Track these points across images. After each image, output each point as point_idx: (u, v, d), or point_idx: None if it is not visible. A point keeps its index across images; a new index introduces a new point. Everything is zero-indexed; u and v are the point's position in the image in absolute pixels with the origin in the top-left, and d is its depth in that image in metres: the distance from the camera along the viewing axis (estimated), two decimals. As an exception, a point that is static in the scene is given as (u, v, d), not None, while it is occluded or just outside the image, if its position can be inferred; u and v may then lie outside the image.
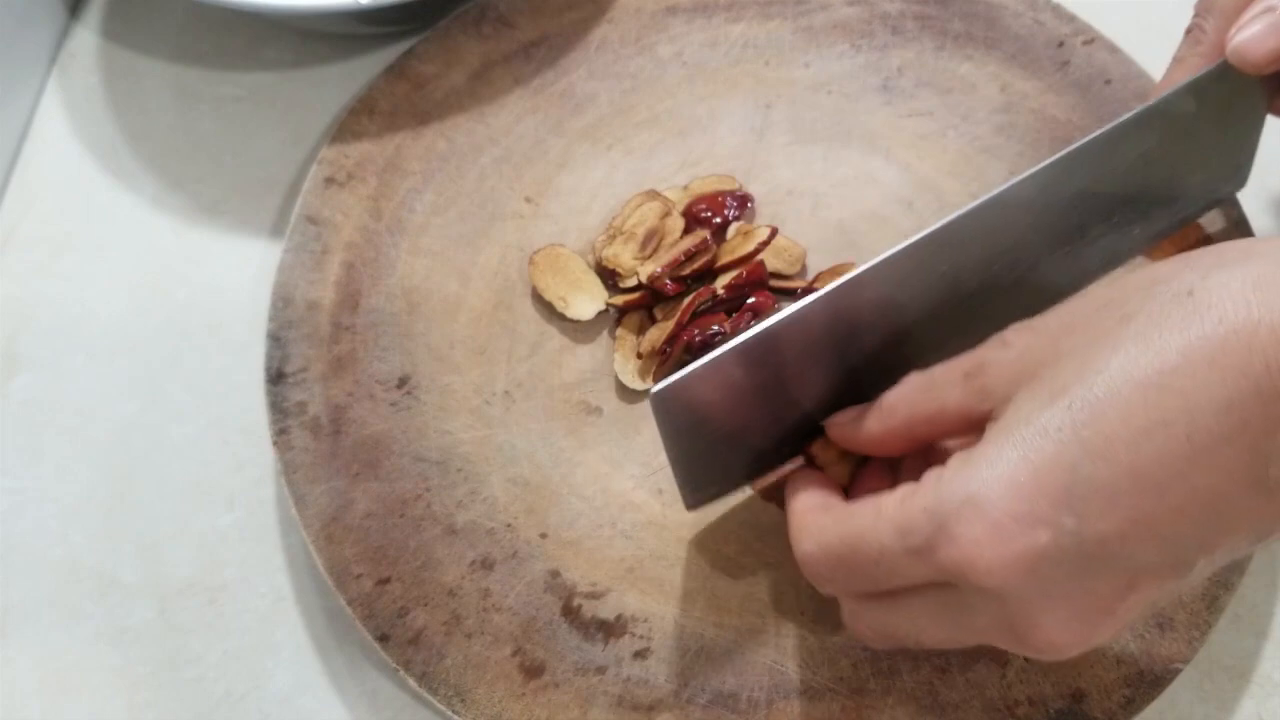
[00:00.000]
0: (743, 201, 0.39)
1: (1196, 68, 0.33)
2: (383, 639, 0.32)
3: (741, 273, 0.37)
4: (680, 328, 0.36)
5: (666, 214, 0.39)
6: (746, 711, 0.31)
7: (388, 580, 0.33)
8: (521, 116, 0.42)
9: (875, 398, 0.30)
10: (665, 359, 0.36)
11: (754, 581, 0.33)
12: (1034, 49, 0.43)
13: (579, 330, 0.38)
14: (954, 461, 0.24)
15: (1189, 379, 0.22)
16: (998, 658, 0.32)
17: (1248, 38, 0.31)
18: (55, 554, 0.36)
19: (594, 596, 0.33)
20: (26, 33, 0.45)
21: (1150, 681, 0.31)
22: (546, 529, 0.34)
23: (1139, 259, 0.37)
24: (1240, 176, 0.36)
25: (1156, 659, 0.31)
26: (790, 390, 0.29)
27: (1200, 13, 0.33)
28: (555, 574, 0.33)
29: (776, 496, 0.31)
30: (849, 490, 0.30)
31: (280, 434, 0.35)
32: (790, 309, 0.28)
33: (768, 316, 0.28)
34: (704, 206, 0.39)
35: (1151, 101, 0.31)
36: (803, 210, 0.40)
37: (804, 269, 0.39)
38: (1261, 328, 0.22)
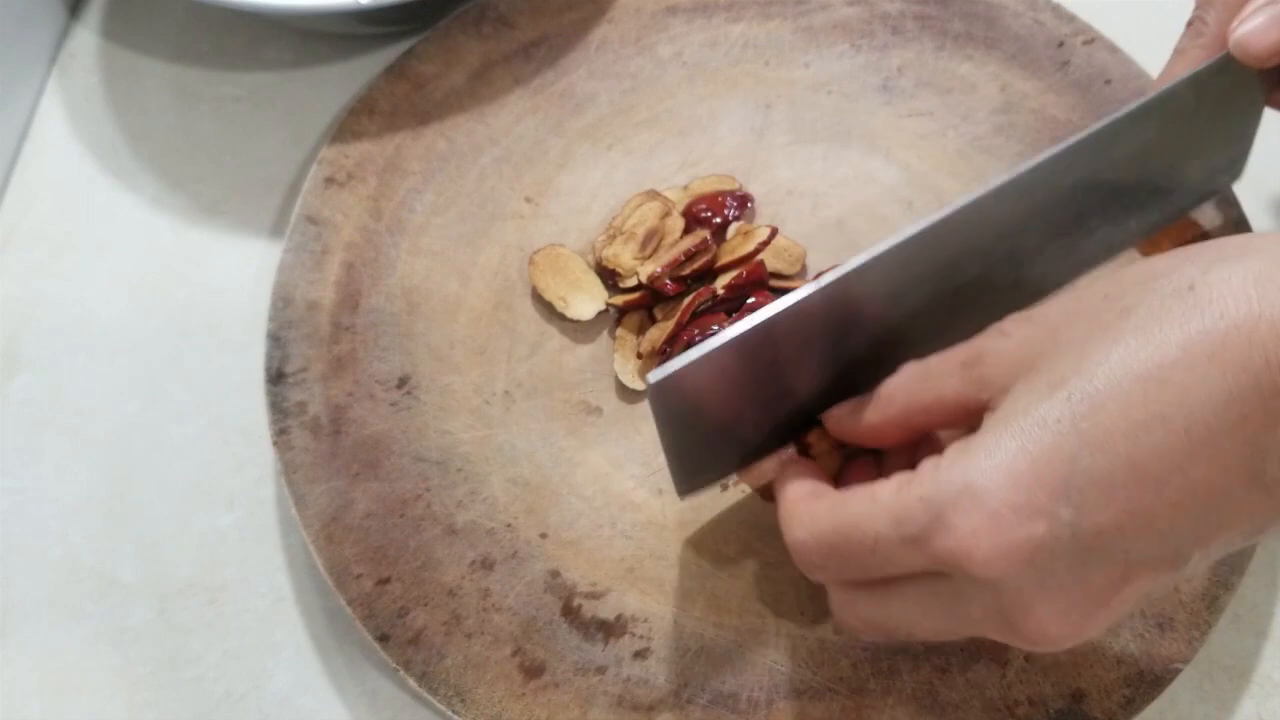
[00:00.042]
0: (743, 201, 0.39)
1: (1198, 60, 0.33)
2: (383, 639, 0.32)
3: (741, 273, 0.37)
4: (680, 328, 0.36)
5: (666, 214, 0.39)
6: (746, 711, 0.31)
7: (388, 580, 0.33)
8: (521, 116, 0.42)
9: (869, 388, 0.30)
10: (665, 359, 0.36)
11: (754, 581, 0.33)
12: (1034, 49, 0.43)
13: (579, 330, 0.38)
14: (951, 451, 0.24)
15: (1189, 373, 0.22)
16: (998, 657, 0.32)
17: (1250, 30, 0.31)
18: (55, 554, 0.36)
19: (594, 596, 0.33)
20: (26, 33, 0.45)
21: (1150, 681, 0.31)
22: (546, 529, 0.34)
23: (1133, 252, 0.37)
24: (1236, 169, 0.36)
25: (1156, 659, 0.31)
26: (786, 380, 0.29)
27: (1202, 5, 0.33)
28: (555, 574, 0.33)
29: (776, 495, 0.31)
30: (836, 484, 0.30)
31: (280, 434, 0.35)
32: (787, 300, 0.28)
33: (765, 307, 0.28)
34: (704, 206, 0.39)
35: (1152, 94, 0.31)
36: (803, 210, 0.40)
37: (804, 269, 0.39)
38: (1262, 323, 0.22)
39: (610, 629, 0.33)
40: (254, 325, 0.39)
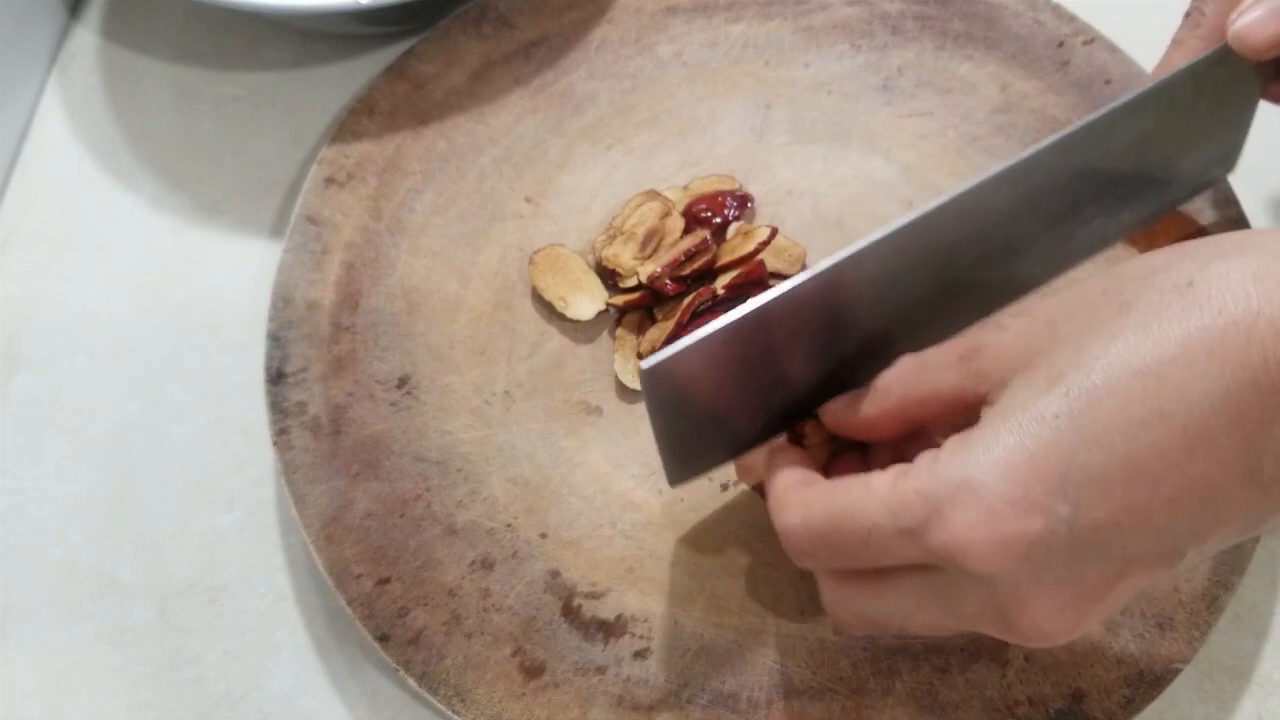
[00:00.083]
0: (743, 201, 0.39)
1: (1195, 51, 0.33)
2: (383, 639, 0.32)
3: (741, 273, 0.37)
4: (680, 328, 0.36)
5: (666, 214, 0.39)
6: (746, 711, 0.31)
7: (388, 580, 0.33)
8: (521, 116, 0.42)
9: (864, 379, 0.30)
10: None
11: (754, 581, 0.33)
12: (1034, 49, 0.43)
13: (579, 330, 0.38)
14: (950, 445, 0.24)
15: (1187, 370, 0.22)
16: (998, 657, 0.32)
17: (1249, 22, 0.31)
18: (55, 554, 0.36)
19: (594, 596, 0.33)
20: (26, 33, 0.45)
21: (1150, 681, 0.31)
22: (546, 529, 0.34)
23: (1129, 248, 0.37)
24: (1230, 161, 0.36)
25: (1156, 659, 0.31)
26: (780, 370, 0.29)
27: None
28: (555, 574, 0.33)
29: None
30: (824, 476, 0.30)
31: (280, 434, 0.35)
32: (782, 287, 0.28)
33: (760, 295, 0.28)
34: (704, 206, 0.39)
35: (1150, 84, 0.31)
36: (803, 210, 0.40)
37: (804, 269, 0.39)
38: (1260, 320, 0.22)
39: (610, 629, 0.33)
40: (254, 325, 0.39)
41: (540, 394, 0.37)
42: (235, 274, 0.41)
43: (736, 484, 0.35)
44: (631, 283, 0.38)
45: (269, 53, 0.46)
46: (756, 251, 0.37)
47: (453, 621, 0.32)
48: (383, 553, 0.33)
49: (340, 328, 0.37)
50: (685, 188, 0.40)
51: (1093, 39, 0.43)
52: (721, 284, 0.37)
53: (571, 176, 0.41)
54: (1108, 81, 0.42)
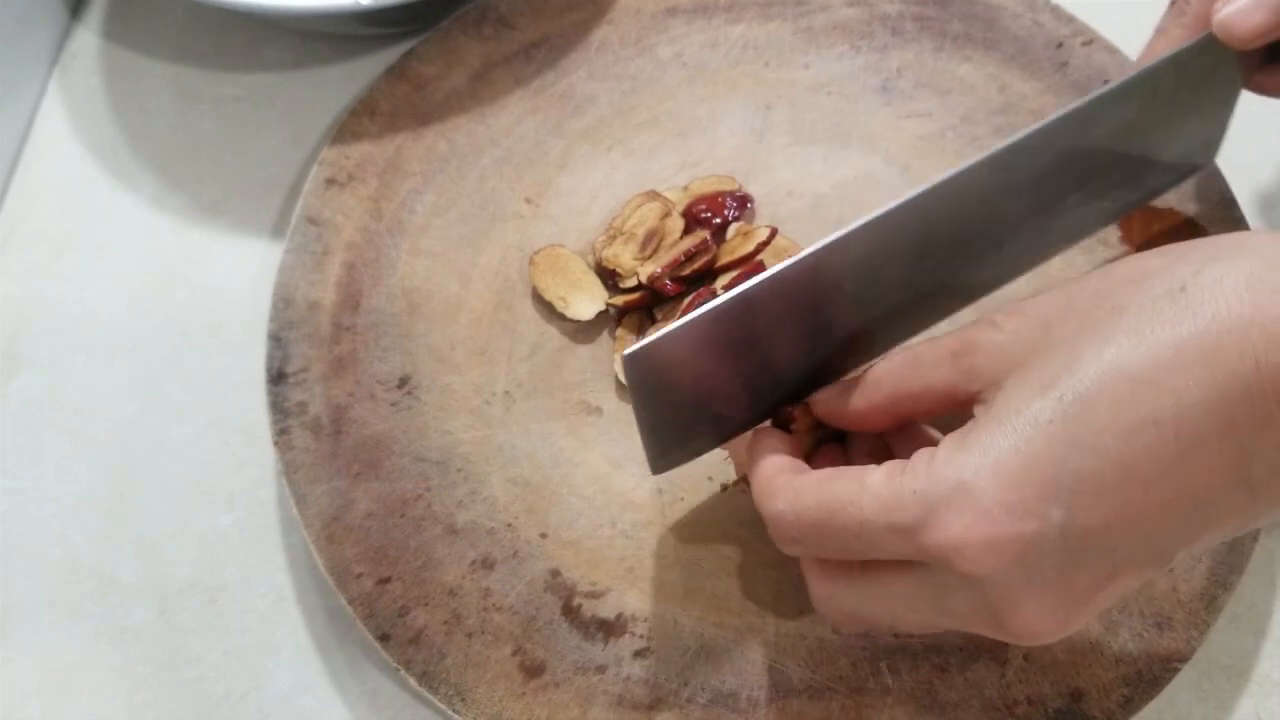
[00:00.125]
0: (742, 202, 0.40)
1: (1179, 40, 0.33)
2: (383, 638, 0.32)
3: (741, 273, 0.37)
4: (680, 328, 0.36)
5: (666, 214, 0.39)
6: (746, 711, 0.31)
7: (388, 580, 0.33)
8: (522, 118, 0.42)
9: (850, 366, 0.31)
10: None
11: (754, 581, 0.33)
12: (1033, 50, 0.43)
13: (579, 330, 0.38)
14: (946, 446, 0.25)
15: (1180, 376, 0.22)
16: (997, 657, 0.32)
17: (1234, 11, 0.31)
18: (55, 554, 0.36)
19: (594, 596, 0.33)
20: (27, 34, 0.45)
21: (1149, 681, 0.31)
22: (546, 529, 0.34)
23: (1119, 243, 0.37)
24: (1211, 150, 0.37)
25: (1155, 658, 0.31)
26: (763, 355, 0.29)
27: None
28: (555, 573, 0.34)
29: None
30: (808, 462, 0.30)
31: (281, 434, 0.35)
32: (765, 274, 0.28)
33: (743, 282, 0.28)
34: (704, 207, 0.39)
35: (1133, 72, 0.31)
36: (802, 210, 0.40)
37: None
38: (1253, 328, 0.22)
39: (610, 628, 0.33)
40: (254, 325, 0.39)
41: (540, 394, 0.37)
42: (235, 274, 0.41)
43: (736, 484, 0.35)
44: (631, 283, 0.38)
45: (269, 53, 0.46)
46: (756, 251, 0.37)
47: (453, 621, 0.32)
48: (383, 552, 0.33)
49: (341, 328, 0.37)
50: (685, 188, 0.40)
51: (1091, 40, 0.43)
52: (721, 284, 0.37)
53: (572, 177, 0.41)
54: (1106, 82, 0.41)
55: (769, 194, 0.40)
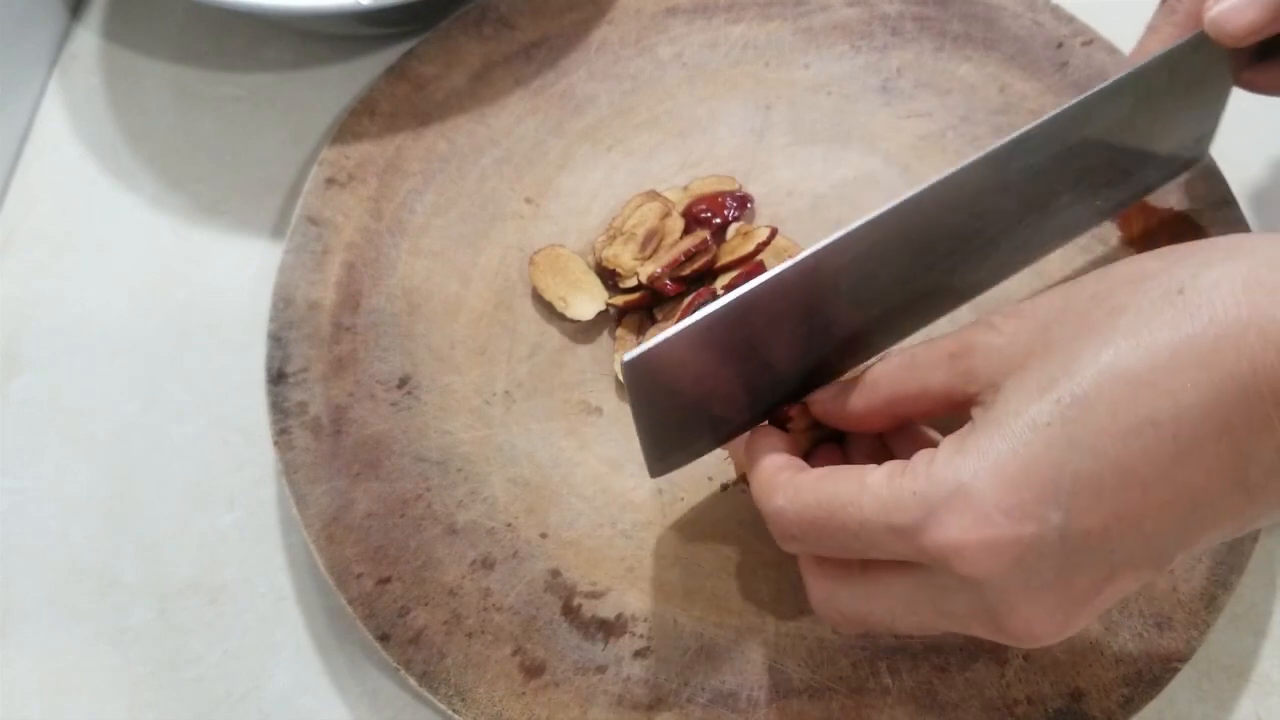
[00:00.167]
0: (742, 202, 0.40)
1: (1171, 37, 0.33)
2: (383, 638, 0.32)
3: (741, 273, 0.37)
4: (680, 328, 0.36)
5: (666, 214, 0.39)
6: (746, 711, 0.31)
7: (388, 580, 0.33)
8: (522, 117, 0.42)
9: (845, 366, 0.31)
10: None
11: (754, 580, 0.33)
12: (1033, 50, 0.43)
13: (579, 330, 0.38)
14: (945, 447, 0.25)
15: (1177, 379, 0.22)
16: (997, 656, 0.32)
17: (1226, 9, 0.31)
18: (55, 554, 0.36)
19: (594, 596, 0.33)
20: (28, 34, 0.45)
21: (1149, 681, 0.31)
22: (546, 529, 0.34)
23: (1119, 243, 0.37)
24: (1202, 146, 0.37)
25: (1155, 658, 0.31)
26: (760, 358, 0.30)
27: None
28: (555, 573, 0.34)
29: None
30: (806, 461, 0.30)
31: (281, 434, 0.35)
32: (764, 277, 0.28)
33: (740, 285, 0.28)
34: (704, 207, 0.39)
35: (1126, 71, 0.31)
36: (802, 210, 0.40)
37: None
38: (1250, 331, 0.22)
39: (610, 628, 0.33)
40: (254, 325, 0.39)
41: (540, 394, 0.37)
42: (235, 274, 0.41)
43: (736, 483, 0.35)
44: (631, 283, 0.38)
45: (269, 53, 0.46)
46: (756, 251, 0.38)
47: (453, 621, 0.32)
48: (383, 552, 0.33)
49: (341, 328, 0.37)
50: (685, 188, 0.40)
51: (1091, 40, 0.43)
52: (721, 284, 0.37)
53: (572, 177, 0.41)
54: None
55: (769, 194, 0.40)
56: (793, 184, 0.41)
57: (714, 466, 0.35)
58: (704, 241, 0.38)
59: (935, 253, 0.31)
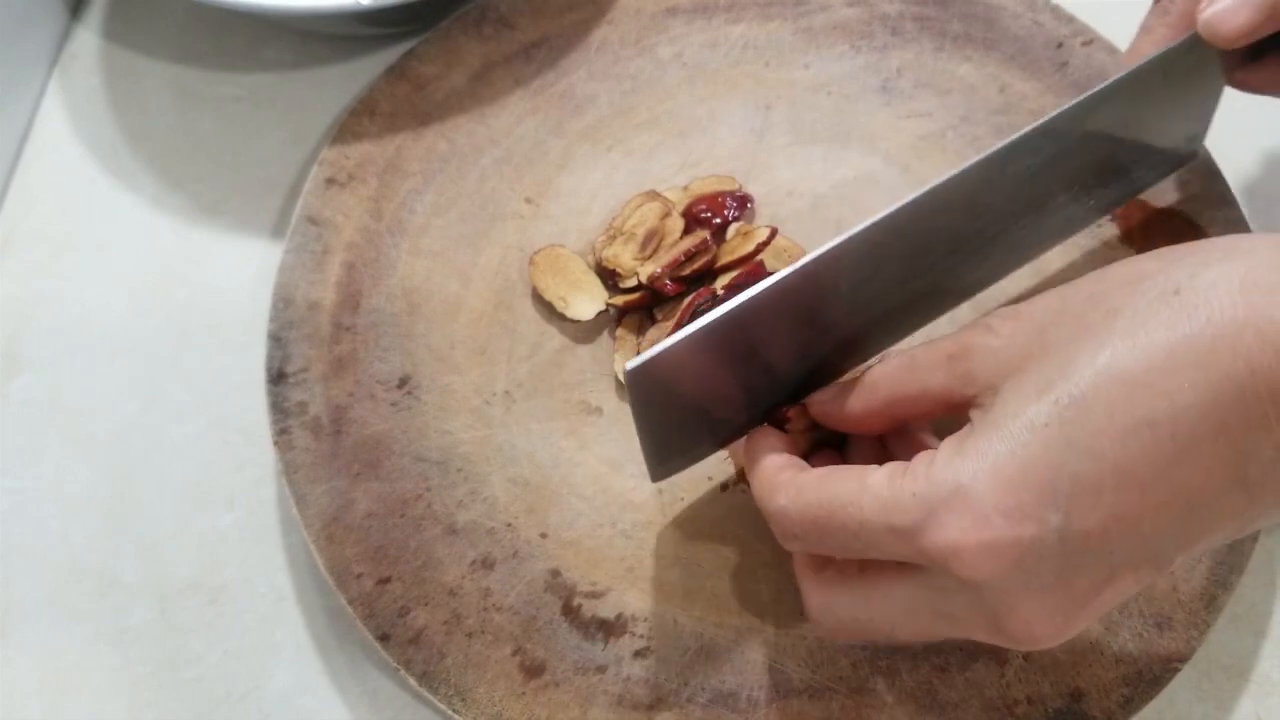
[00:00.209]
0: (742, 202, 0.40)
1: (1164, 38, 0.33)
2: (383, 638, 0.32)
3: (741, 273, 0.37)
4: (680, 328, 0.36)
5: (666, 214, 0.39)
6: (746, 711, 0.31)
7: (388, 580, 0.33)
8: (522, 118, 0.42)
9: (844, 367, 0.31)
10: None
11: (754, 580, 0.33)
12: (1033, 50, 0.43)
13: (579, 330, 0.38)
14: (945, 449, 0.25)
15: (1174, 379, 0.22)
16: (997, 657, 0.32)
17: (1219, 11, 0.31)
18: (55, 554, 0.36)
19: (594, 596, 0.33)
20: (27, 34, 0.45)
21: (1149, 681, 0.31)
22: (546, 529, 0.34)
23: (1118, 243, 0.37)
24: (1194, 143, 0.37)
25: (1155, 658, 0.31)
26: (761, 363, 0.30)
27: None
28: (555, 573, 0.34)
29: None
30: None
31: (281, 434, 0.35)
32: (763, 284, 0.28)
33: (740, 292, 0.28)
34: (704, 207, 0.39)
35: (1121, 73, 0.31)
36: (803, 211, 0.40)
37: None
38: (1247, 330, 0.22)
39: (610, 628, 0.33)
40: (254, 325, 0.39)
41: (540, 394, 0.37)
42: (235, 274, 0.41)
43: (736, 483, 0.35)
44: (631, 283, 0.38)
45: (269, 53, 0.46)
46: (756, 252, 0.38)
47: (453, 621, 0.32)
48: (383, 552, 0.33)
49: (341, 328, 0.37)
50: (685, 188, 0.40)
51: (1091, 40, 0.43)
52: (721, 284, 0.37)
53: (572, 177, 0.41)
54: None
55: (769, 194, 0.40)
56: (793, 184, 0.41)
57: (714, 466, 0.35)
58: (704, 241, 0.38)
59: (933, 254, 0.31)
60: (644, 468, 0.32)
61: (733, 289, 0.37)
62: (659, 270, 0.37)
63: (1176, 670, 0.31)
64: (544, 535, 0.34)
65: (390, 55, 0.45)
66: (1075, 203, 0.34)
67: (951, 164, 0.41)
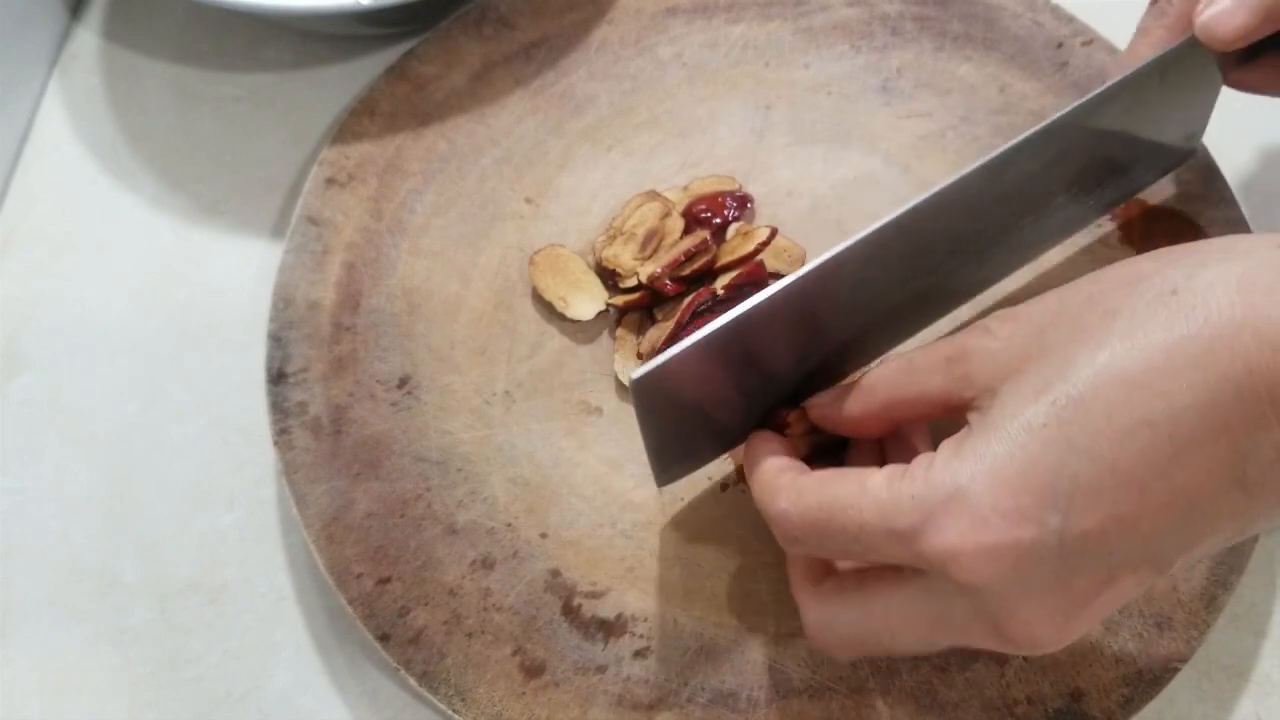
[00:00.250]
0: (742, 202, 0.40)
1: (1161, 40, 0.33)
2: (383, 638, 0.32)
3: (741, 273, 0.37)
4: (680, 328, 0.36)
5: (666, 214, 0.39)
6: (746, 710, 0.31)
7: (388, 580, 0.33)
8: (522, 117, 0.42)
9: (844, 370, 0.31)
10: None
11: (754, 580, 0.33)
12: (1033, 50, 0.43)
13: (579, 330, 0.38)
14: (943, 452, 0.25)
15: (1173, 380, 0.22)
16: (996, 657, 0.32)
17: (1217, 13, 0.31)
18: (55, 554, 0.36)
19: (594, 596, 0.33)
20: (28, 34, 0.45)
21: (1149, 681, 0.31)
22: (546, 529, 0.34)
23: (1119, 243, 0.37)
24: (1192, 143, 0.37)
25: (1155, 658, 0.31)
26: (766, 368, 0.30)
27: None
28: (555, 573, 0.34)
29: None
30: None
31: (281, 434, 0.35)
32: (769, 291, 0.28)
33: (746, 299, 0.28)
34: (704, 207, 0.39)
35: (1120, 76, 0.31)
36: (802, 211, 0.40)
37: (803, 269, 0.39)
38: (1244, 331, 0.22)
39: (610, 628, 0.33)
40: (254, 325, 0.39)
41: (540, 394, 0.37)
42: (235, 274, 0.41)
43: (736, 484, 0.35)
44: (631, 283, 0.38)
45: (269, 53, 0.46)
46: (756, 252, 0.37)
47: (453, 621, 0.32)
48: (383, 552, 0.33)
49: (341, 328, 0.37)
50: (685, 188, 0.40)
51: (1091, 40, 0.43)
52: (721, 284, 0.37)
53: (572, 177, 0.41)
54: (1105, 82, 0.42)
55: (769, 194, 0.40)
56: (793, 184, 0.41)
57: (714, 466, 0.35)
58: (704, 241, 0.38)
59: (935, 255, 0.31)
60: (644, 467, 0.32)
61: (733, 289, 0.37)
62: (659, 270, 0.37)
63: (1176, 670, 0.31)
64: (544, 535, 0.34)
65: (390, 55, 0.45)
66: (1075, 203, 0.34)
67: (951, 164, 0.41)
